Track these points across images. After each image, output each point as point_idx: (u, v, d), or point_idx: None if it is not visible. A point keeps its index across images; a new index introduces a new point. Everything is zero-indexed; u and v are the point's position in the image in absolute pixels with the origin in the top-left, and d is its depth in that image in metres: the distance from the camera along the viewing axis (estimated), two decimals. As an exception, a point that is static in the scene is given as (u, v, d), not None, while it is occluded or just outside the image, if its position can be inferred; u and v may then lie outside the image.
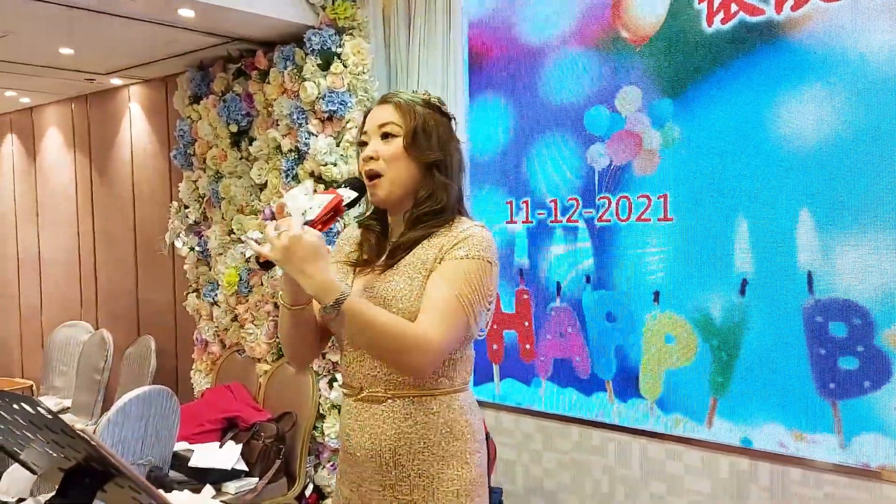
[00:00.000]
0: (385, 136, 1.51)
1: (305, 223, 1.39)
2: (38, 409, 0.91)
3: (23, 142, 5.62)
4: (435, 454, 1.48)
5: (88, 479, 1.03)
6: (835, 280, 2.35)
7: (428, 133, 1.51)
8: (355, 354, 1.54)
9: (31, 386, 5.11)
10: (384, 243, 1.57)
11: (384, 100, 1.56)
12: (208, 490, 2.85)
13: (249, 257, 1.44)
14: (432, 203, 1.51)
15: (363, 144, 1.55)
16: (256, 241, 1.38)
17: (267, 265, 1.40)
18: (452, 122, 1.60)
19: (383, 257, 1.54)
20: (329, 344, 1.69)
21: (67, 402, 4.45)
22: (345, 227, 3.14)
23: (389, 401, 1.49)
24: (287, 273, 1.37)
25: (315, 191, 1.51)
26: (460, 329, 1.44)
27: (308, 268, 1.33)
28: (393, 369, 1.48)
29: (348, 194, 1.48)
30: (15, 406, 0.95)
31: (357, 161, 1.60)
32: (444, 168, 1.53)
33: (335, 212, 1.44)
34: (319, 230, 1.41)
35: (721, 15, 2.55)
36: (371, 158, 1.51)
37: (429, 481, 1.48)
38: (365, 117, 1.58)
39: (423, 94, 1.58)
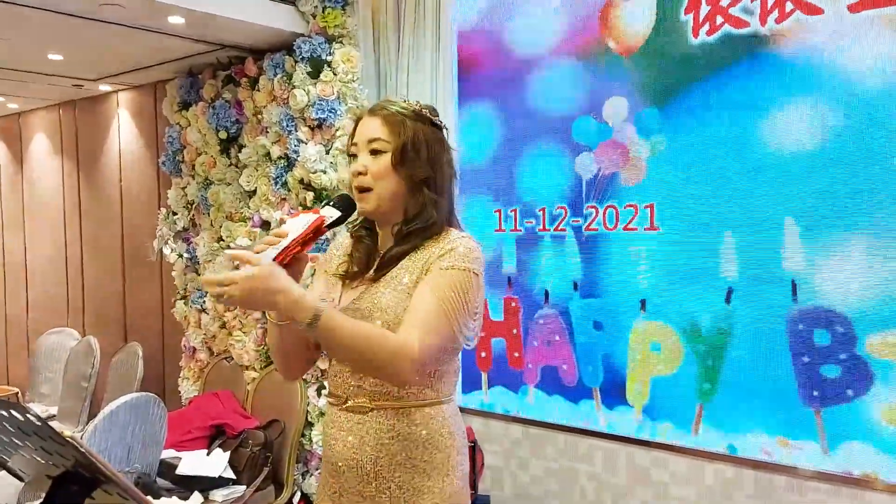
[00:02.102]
0: (374, 151, 1.50)
1: (284, 247, 1.40)
2: (28, 415, 0.92)
3: (10, 147, 5.59)
4: (416, 466, 1.47)
5: (76, 486, 1.03)
6: (818, 288, 2.38)
7: (417, 149, 1.49)
8: (342, 365, 1.54)
9: (17, 393, 5.07)
10: (374, 254, 1.57)
11: (373, 112, 1.54)
12: (196, 497, 2.84)
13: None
14: (422, 220, 1.50)
15: (353, 155, 1.54)
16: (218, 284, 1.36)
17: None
18: (444, 131, 1.58)
19: (372, 269, 1.54)
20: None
21: (54, 410, 4.42)
22: (334, 236, 3.16)
23: (373, 412, 1.49)
24: (258, 310, 1.37)
25: (305, 207, 1.52)
26: (444, 339, 1.42)
27: (275, 298, 1.31)
28: (377, 380, 1.48)
29: (331, 214, 1.48)
30: (3, 413, 0.95)
31: (348, 170, 1.59)
32: (433, 184, 1.51)
33: (316, 232, 1.45)
34: (298, 251, 1.42)
35: (707, 27, 2.59)
36: (360, 174, 1.51)
37: (409, 493, 1.47)
38: (355, 126, 1.57)
39: (415, 105, 1.55)
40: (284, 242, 1.40)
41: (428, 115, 1.54)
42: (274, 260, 1.38)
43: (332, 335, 1.34)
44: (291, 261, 1.42)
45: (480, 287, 1.49)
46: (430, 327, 1.39)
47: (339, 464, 1.52)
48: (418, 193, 1.50)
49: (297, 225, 1.43)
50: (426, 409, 1.49)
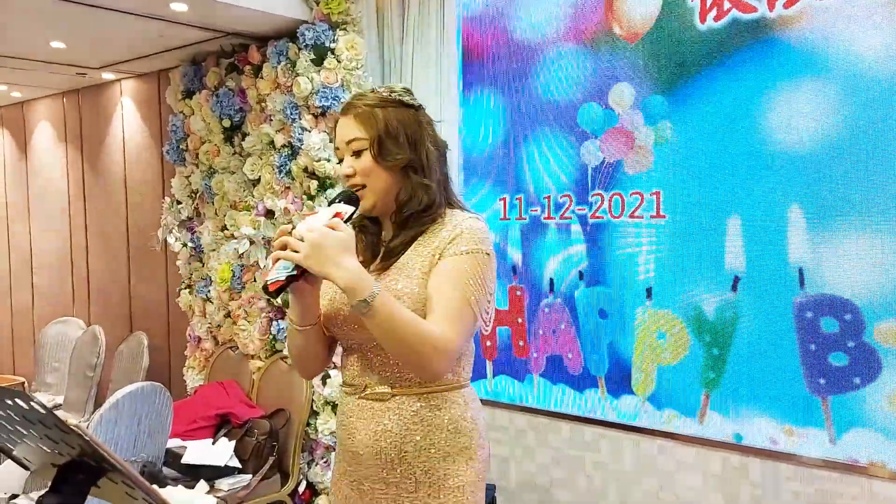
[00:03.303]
0: (355, 151, 1.49)
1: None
2: (32, 404, 0.91)
3: (14, 136, 5.59)
4: (441, 451, 1.48)
5: (82, 474, 1.03)
6: (825, 276, 2.36)
7: (394, 136, 1.48)
8: (358, 353, 1.54)
9: (23, 382, 5.09)
10: (378, 245, 1.57)
11: (345, 111, 1.53)
12: (202, 485, 2.85)
13: (264, 286, 1.40)
14: (414, 205, 1.50)
15: (342, 159, 1.54)
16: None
17: (276, 293, 1.37)
18: (419, 109, 1.54)
19: (378, 260, 1.54)
20: None
21: (59, 399, 4.44)
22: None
23: (394, 398, 1.49)
24: (320, 271, 1.33)
25: (310, 197, 1.53)
26: (469, 327, 1.45)
27: (343, 260, 1.34)
28: (410, 369, 1.47)
29: (346, 209, 1.49)
30: (8, 401, 0.94)
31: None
32: (419, 167, 1.50)
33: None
34: None
35: (714, 12, 2.56)
36: (349, 176, 1.51)
37: (435, 478, 1.48)
38: (334, 129, 1.57)
39: (383, 92, 1.52)
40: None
41: (398, 98, 1.52)
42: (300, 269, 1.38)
43: (386, 316, 1.34)
44: None
45: (493, 267, 1.51)
46: (458, 319, 1.41)
47: (361, 452, 1.52)
48: (406, 179, 1.50)
49: (319, 221, 1.41)
50: (446, 394, 1.51)
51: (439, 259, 1.46)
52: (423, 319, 1.41)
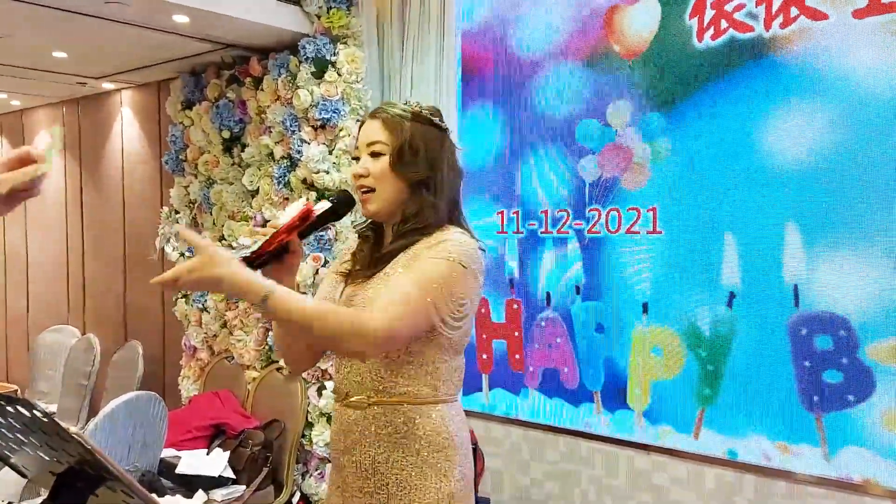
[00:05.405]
0: (374, 153, 1.52)
1: (270, 235, 1.44)
2: (34, 411, 0.92)
3: (12, 144, 5.59)
4: (413, 464, 1.48)
5: (81, 482, 1.03)
6: (820, 294, 2.38)
7: (415, 150, 1.51)
8: (345, 360, 1.55)
9: (16, 390, 5.06)
10: (376, 253, 1.59)
11: (373, 114, 1.56)
12: (200, 495, 2.84)
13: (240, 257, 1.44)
14: (417, 221, 1.52)
15: (356, 159, 1.57)
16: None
17: (252, 263, 1.42)
18: (446, 132, 1.60)
19: (369, 267, 1.56)
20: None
21: (53, 407, 4.41)
22: (336, 235, 3.16)
23: (371, 408, 1.50)
24: (202, 288, 1.37)
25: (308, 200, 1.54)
26: (416, 320, 1.41)
27: (220, 285, 1.32)
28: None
29: (321, 205, 1.51)
30: (10, 409, 0.95)
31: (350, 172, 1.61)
32: (431, 185, 1.52)
33: (303, 220, 1.47)
34: (284, 239, 1.45)
35: (711, 31, 2.59)
36: (361, 176, 1.53)
37: (406, 491, 1.48)
38: (359, 130, 1.59)
39: (414, 107, 1.56)
40: (272, 231, 1.44)
41: (428, 116, 1.55)
42: (260, 248, 1.43)
43: (284, 313, 1.34)
44: (283, 252, 1.46)
45: (468, 281, 1.47)
46: (399, 305, 1.39)
47: (342, 459, 1.55)
48: (416, 194, 1.52)
49: (287, 214, 1.46)
50: (424, 408, 1.50)
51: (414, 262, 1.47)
52: (343, 308, 1.45)
